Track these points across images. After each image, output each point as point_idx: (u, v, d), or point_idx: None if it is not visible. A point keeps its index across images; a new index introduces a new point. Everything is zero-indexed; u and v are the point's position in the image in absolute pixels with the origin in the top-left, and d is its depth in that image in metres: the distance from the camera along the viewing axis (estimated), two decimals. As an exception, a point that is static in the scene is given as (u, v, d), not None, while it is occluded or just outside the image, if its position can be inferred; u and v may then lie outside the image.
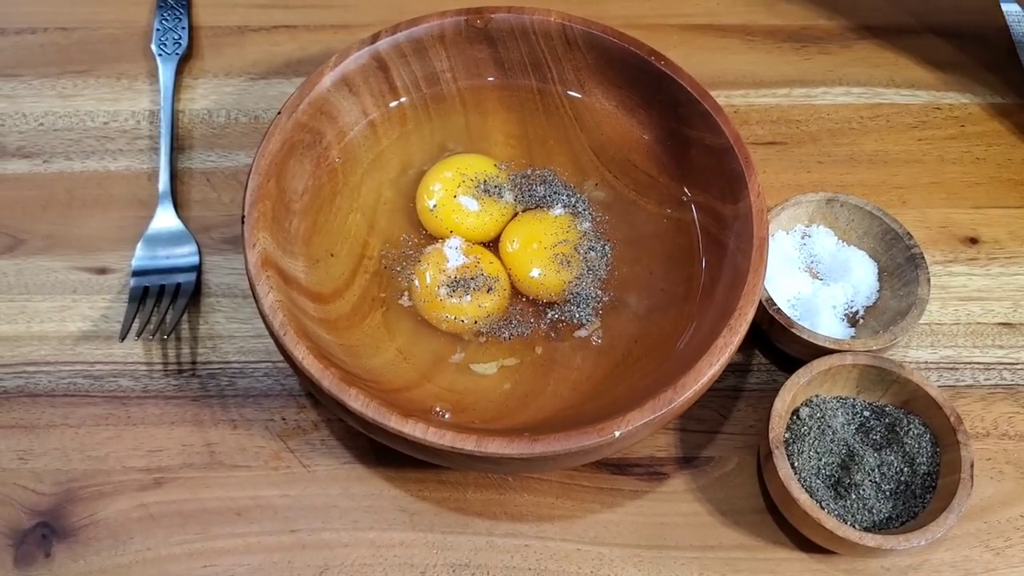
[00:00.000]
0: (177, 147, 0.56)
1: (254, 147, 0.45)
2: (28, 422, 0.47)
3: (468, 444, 0.38)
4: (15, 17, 0.62)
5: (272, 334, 0.41)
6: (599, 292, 0.47)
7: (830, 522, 0.41)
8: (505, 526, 0.45)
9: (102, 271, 0.52)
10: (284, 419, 0.47)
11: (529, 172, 0.50)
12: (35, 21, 0.61)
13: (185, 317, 0.50)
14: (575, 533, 0.45)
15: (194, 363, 0.49)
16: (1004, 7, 0.64)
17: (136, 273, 0.50)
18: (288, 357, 0.41)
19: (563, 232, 0.48)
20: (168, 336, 0.48)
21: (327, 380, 0.40)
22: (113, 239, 0.53)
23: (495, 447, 0.38)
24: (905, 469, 0.44)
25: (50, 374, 0.49)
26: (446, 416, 0.43)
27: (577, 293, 0.46)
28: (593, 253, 0.47)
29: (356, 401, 0.39)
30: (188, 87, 0.59)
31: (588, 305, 0.46)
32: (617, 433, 0.38)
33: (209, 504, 0.45)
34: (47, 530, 0.44)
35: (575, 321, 0.46)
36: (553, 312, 0.46)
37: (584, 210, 0.49)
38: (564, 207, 0.49)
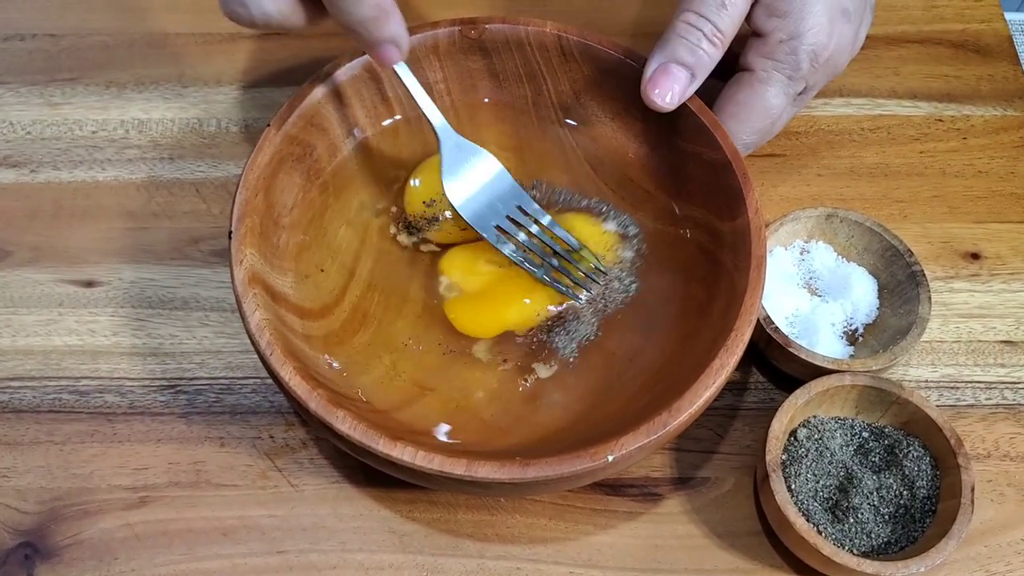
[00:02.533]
0: (167, 156, 0.56)
1: (244, 157, 0.44)
2: (12, 439, 0.46)
3: (458, 468, 0.37)
4: (2, 23, 0.61)
5: (259, 353, 0.40)
6: (594, 328, 0.46)
7: (827, 548, 0.40)
8: (497, 548, 0.44)
9: (89, 284, 0.51)
10: (272, 437, 0.47)
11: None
12: (23, 27, 0.60)
13: (171, 331, 0.49)
14: (568, 556, 0.44)
15: (181, 378, 0.48)
16: (1008, 17, 0.63)
17: None
18: (275, 377, 0.40)
19: (604, 248, 0.47)
20: None
21: (314, 402, 0.39)
22: (101, 251, 0.52)
23: (485, 472, 0.37)
24: (904, 492, 0.43)
25: (35, 389, 0.48)
26: (439, 436, 0.42)
27: (575, 317, 0.46)
28: (617, 284, 0.47)
29: (343, 424, 0.38)
30: (178, 95, 0.58)
31: (573, 340, 0.45)
32: (610, 457, 0.38)
33: (195, 524, 0.44)
34: (30, 550, 0.44)
35: (560, 347, 0.45)
36: (543, 335, 0.45)
37: (634, 236, 0.48)
38: (617, 224, 0.48)
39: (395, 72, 0.44)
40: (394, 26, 0.40)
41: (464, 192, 0.46)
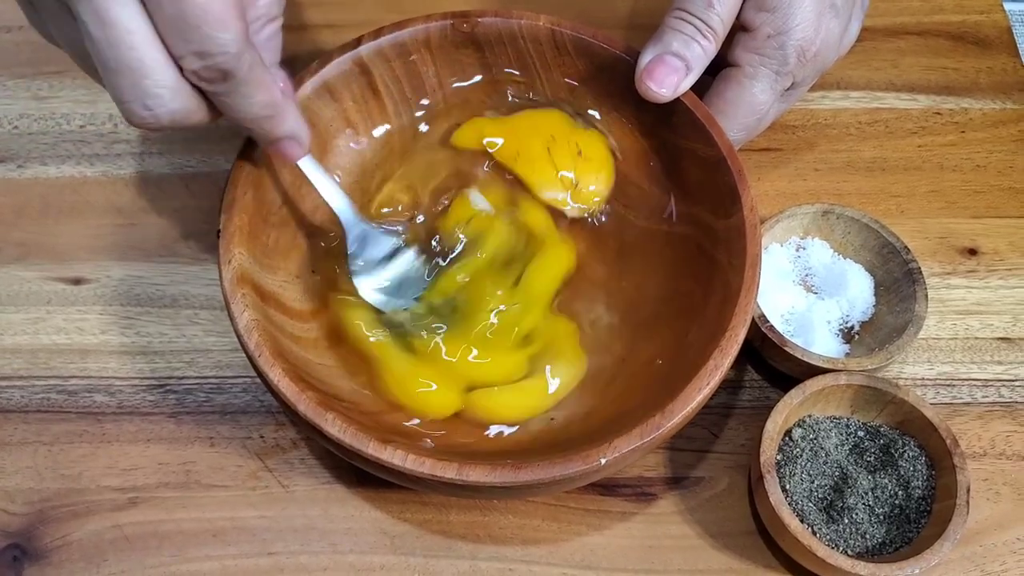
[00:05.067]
0: (156, 151, 0.55)
1: (234, 151, 0.44)
2: (0, 439, 0.46)
3: (449, 472, 0.37)
4: (-12, 16, 0.60)
5: (247, 355, 0.40)
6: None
7: (822, 549, 0.40)
8: (489, 549, 0.44)
9: (77, 281, 0.50)
10: (262, 437, 0.46)
11: None
12: (8, 19, 0.60)
13: (161, 329, 0.49)
14: (562, 557, 0.44)
15: (170, 378, 0.48)
16: (1007, 7, 0.62)
17: None
18: (264, 379, 0.39)
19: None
20: None
21: (303, 404, 0.38)
22: (89, 248, 0.51)
23: (477, 475, 0.37)
24: (899, 493, 0.43)
25: (23, 389, 0.47)
26: (431, 438, 0.42)
27: None
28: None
29: (333, 426, 0.38)
30: (167, 89, 0.57)
31: None
32: (602, 460, 0.37)
33: (185, 525, 0.44)
34: (18, 552, 0.43)
35: None
36: None
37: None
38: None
39: (298, 167, 0.43)
40: (290, 122, 0.39)
41: (375, 284, 0.45)
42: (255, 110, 0.36)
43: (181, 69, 0.33)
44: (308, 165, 0.43)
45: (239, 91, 0.35)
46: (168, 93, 0.33)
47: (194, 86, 0.34)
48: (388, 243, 0.46)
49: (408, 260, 0.46)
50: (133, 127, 0.54)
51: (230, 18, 0.32)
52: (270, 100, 0.37)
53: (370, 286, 0.45)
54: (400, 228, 0.47)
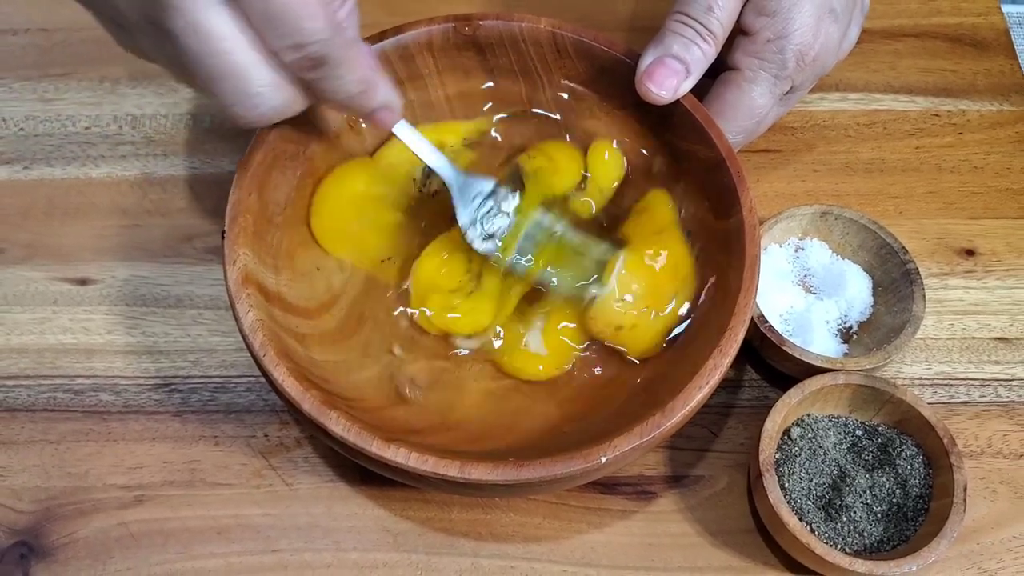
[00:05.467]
0: (160, 153, 0.55)
1: (239, 152, 0.44)
2: (7, 438, 0.47)
3: (451, 470, 0.37)
4: (-5, 18, 0.61)
5: (252, 355, 0.40)
6: None
7: (820, 547, 0.40)
8: (491, 547, 0.44)
9: (83, 282, 0.51)
10: (266, 435, 0.47)
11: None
12: (15, 22, 0.60)
13: (166, 329, 0.49)
14: (562, 554, 0.44)
15: (175, 377, 0.48)
16: (1005, 9, 0.62)
17: None
18: (269, 378, 0.40)
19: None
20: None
21: (307, 403, 0.39)
22: (95, 249, 0.52)
23: (479, 473, 0.37)
24: (897, 491, 0.43)
25: (29, 388, 0.48)
26: (433, 435, 0.42)
27: None
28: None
29: (337, 425, 0.38)
30: (172, 90, 0.58)
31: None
32: (603, 459, 0.38)
33: (190, 523, 0.45)
34: (25, 549, 0.44)
35: None
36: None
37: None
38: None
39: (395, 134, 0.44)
40: (383, 93, 0.40)
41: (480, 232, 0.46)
42: (351, 88, 0.38)
43: (276, 64, 0.35)
44: (403, 130, 0.44)
45: (334, 73, 0.36)
46: (269, 91, 0.35)
47: (291, 79, 0.36)
48: (487, 186, 0.46)
49: (509, 202, 0.47)
50: (137, 130, 0.55)
51: (317, 6, 0.34)
52: (363, 76, 0.38)
53: (477, 234, 0.46)
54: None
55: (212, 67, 0.34)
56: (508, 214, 0.46)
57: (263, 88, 0.35)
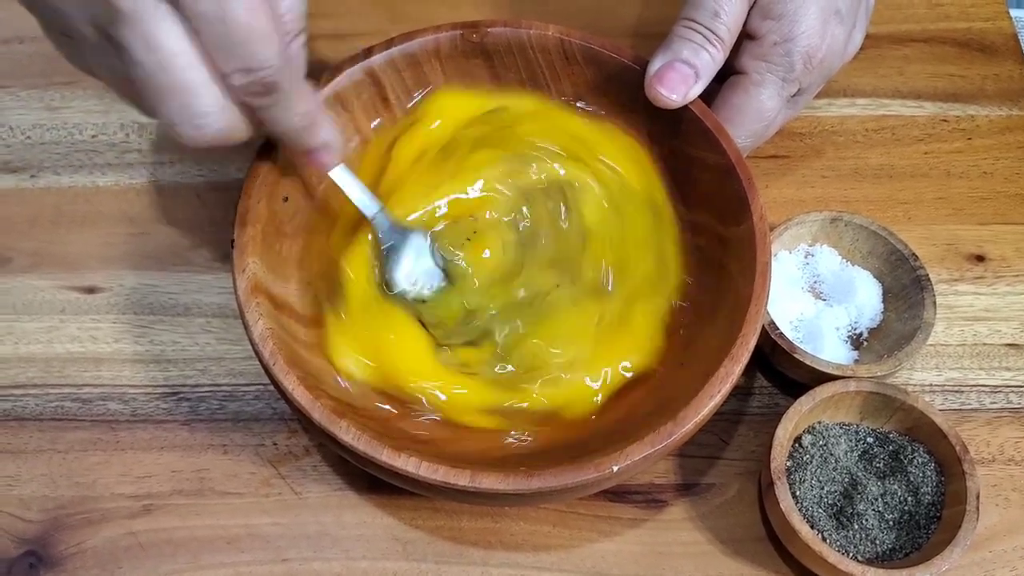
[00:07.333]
0: (168, 160, 0.55)
1: (246, 160, 0.44)
2: (15, 447, 0.46)
3: (462, 480, 0.37)
4: (1, 25, 0.61)
5: (262, 364, 0.40)
6: None
7: (832, 556, 0.40)
8: (501, 556, 0.44)
9: (90, 290, 0.51)
10: (275, 444, 0.47)
11: None
12: (22, 30, 0.60)
13: (174, 338, 0.49)
14: (572, 563, 0.44)
15: (184, 385, 0.48)
16: (1013, 14, 0.62)
17: None
18: (279, 388, 0.40)
19: None
20: None
21: (317, 411, 0.39)
22: (102, 257, 0.52)
23: (490, 483, 0.37)
24: (909, 499, 0.43)
25: (37, 397, 0.48)
26: (444, 444, 0.42)
27: None
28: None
29: (347, 434, 0.38)
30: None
31: None
32: (615, 468, 0.37)
33: (199, 532, 0.44)
34: (34, 559, 0.44)
35: None
36: None
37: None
38: None
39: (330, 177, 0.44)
40: (326, 132, 0.40)
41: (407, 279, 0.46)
42: (295, 120, 0.38)
43: (224, 88, 0.34)
44: (340, 173, 0.44)
45: (281, 103, 0.36)
46: (216, 112, 0.34)
47: (237, 104, 0.35)
48: (418, 242, 0.47)
49: (434, 255, 0.47)
50: (143, 138, 0.55)
51: (272, 33, 0.34)
52: (308, 110, 0.38)
53: (404, 281, 0.46)
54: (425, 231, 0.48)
55: (162, 82, 0.33)
56: (439, 267, 0.47)
57: (211, 108, 0.34)
